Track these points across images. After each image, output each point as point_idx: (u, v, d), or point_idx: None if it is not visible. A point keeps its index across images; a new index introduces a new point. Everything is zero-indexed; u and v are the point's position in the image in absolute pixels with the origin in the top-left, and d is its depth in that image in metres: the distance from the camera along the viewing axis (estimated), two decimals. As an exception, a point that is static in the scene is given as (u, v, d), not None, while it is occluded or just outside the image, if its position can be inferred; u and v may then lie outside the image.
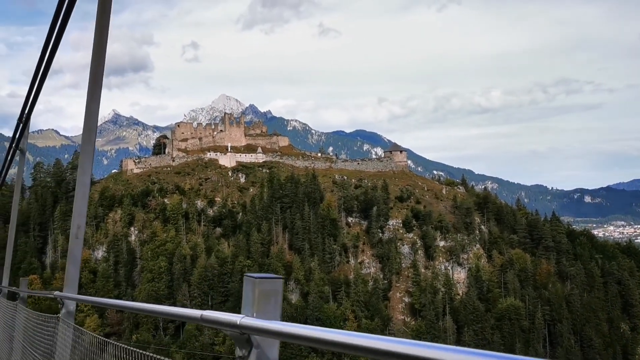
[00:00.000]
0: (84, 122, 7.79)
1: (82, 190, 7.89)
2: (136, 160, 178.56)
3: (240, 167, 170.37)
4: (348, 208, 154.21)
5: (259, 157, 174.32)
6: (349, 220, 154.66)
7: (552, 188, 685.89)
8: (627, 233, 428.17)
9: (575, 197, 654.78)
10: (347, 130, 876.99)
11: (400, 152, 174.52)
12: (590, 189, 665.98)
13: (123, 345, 5.20)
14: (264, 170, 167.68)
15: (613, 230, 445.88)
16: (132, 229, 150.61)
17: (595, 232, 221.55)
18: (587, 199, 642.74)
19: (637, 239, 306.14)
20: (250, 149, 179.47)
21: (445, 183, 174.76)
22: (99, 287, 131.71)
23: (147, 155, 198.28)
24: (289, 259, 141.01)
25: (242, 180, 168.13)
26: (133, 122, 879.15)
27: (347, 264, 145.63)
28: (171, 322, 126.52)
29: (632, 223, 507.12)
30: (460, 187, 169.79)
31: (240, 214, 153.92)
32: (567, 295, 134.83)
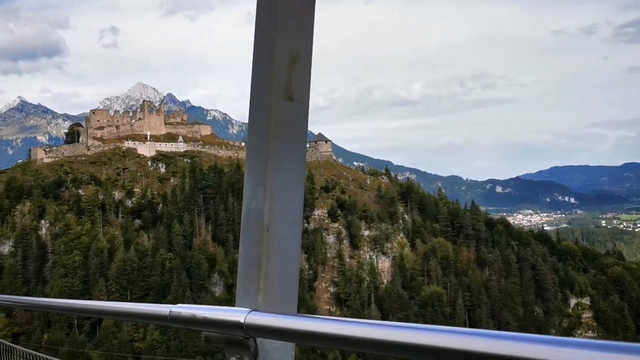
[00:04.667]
0: None
1: None
2: (47, 149, 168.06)
3: (160, 157, 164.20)
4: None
5: (180, 146, 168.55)
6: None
7: (466, 179, 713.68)
8: (534, 221, 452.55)
9: (488, 187, 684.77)
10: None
11: (326, 142, 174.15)
12: (501, 179, 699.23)
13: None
14: (185, 160, 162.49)
15: (522, 219, 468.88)
16: (42, 221, 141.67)
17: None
18: (498, 189, 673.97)
19: (543, 226, 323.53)
20: (170, 138, 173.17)
21: (369, 173, 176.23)
22: (5, 284, 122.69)
23: (58, 145, 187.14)
24: (212, 250, 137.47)
25: (163, 170, 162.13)
26: (42, 110, 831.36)
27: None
28: (86, 318, 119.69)
29: (538, 212, 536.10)
30: (384, 177, 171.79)
31: (161, 205, 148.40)
32: (485, 281, 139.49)
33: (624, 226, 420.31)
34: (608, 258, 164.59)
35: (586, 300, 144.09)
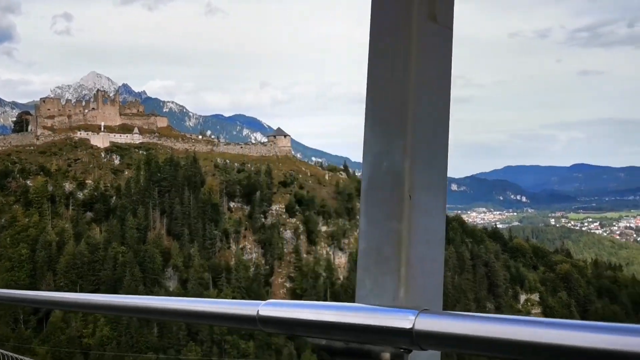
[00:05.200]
0: None
1: None
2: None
3: (115, 148, 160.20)
4: (230, 193, 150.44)
5: (135, 138, 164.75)
6: (231, 205, 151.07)
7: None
8: (487, 219, 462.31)
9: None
10: (226, 114, 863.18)
11: (285, 136, 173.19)
12: (457, 177, 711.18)
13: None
14: (140, 152, 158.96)
15: (475, 216, 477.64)
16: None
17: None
18: (454, 187, 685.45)
19: (496, 224, 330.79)
20: (125, 129, 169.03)
21: (328, 169, 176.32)
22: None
23: (5, 134, 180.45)
24: (167, 245, 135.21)
25: (117, 161, 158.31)
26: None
27: (229, 249, 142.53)
28: (33, 314, 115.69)
29: (492, 210, 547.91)
30: (342, 173, 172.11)
31: (114, 197, 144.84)
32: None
33: (572, 225, 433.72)
34: (557, 256, 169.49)
35: (535, 297, 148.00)
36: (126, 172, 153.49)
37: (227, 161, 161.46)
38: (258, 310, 1.66)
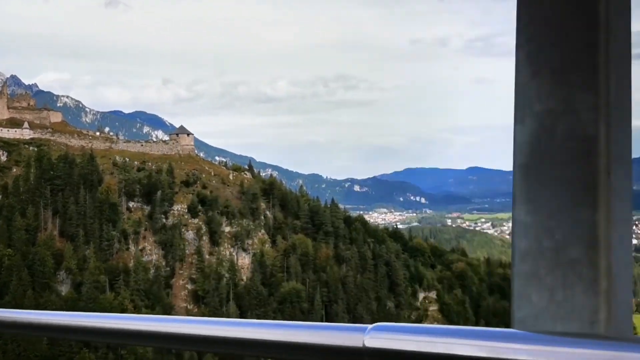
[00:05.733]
0: None
1: None
2: None
3: (1, 144, 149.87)
4: (129, 192, 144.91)
5: (25, 133, 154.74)
6: (130, 205, 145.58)
7: (326, 177, 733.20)
8: (388, 219, 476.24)
9: (347, 186, 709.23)
10: (126, 111, 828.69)
11: (187, 135, 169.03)
12: (359, 178, 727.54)
13: None
14: (31, 148, 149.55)
15: (377, 217, 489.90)
16: None
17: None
18: (357, 187, 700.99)
19: (397, 224, 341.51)
20: (14, 123, 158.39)
21: (232, 169, 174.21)
22: None
23: None
24: (59, 246, 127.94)
25: (3, 158, 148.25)
26: None
27: (127, 251, 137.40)
28: None
29: (392, 210, 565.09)
30: (247, 173, 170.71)
31: (0, 196, 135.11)
32: (343, 277, 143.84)
33: (467, 225, 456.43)
34: (453, 255, 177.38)
35: (433, 294, 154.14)
36: (14, 170, 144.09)
37: (127, 159, 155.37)
38: (364, 341, 1.17)
